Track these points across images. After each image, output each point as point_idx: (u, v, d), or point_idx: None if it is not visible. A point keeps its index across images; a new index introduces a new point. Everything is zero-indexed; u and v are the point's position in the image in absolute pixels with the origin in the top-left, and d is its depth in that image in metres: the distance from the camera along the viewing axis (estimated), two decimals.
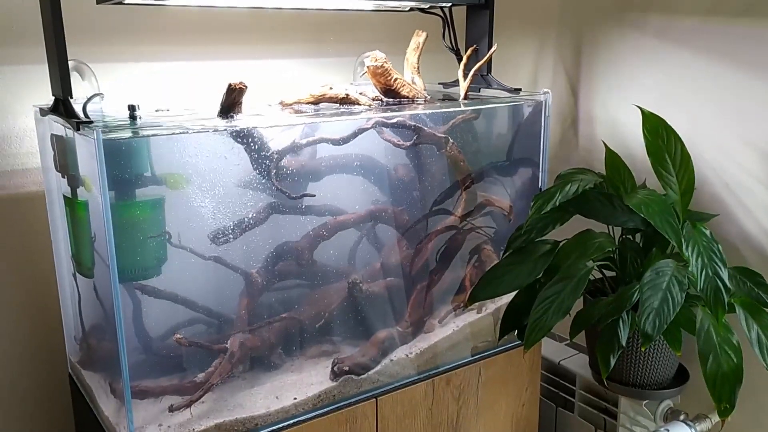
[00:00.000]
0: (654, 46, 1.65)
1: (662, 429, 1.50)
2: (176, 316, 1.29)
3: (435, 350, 1.46)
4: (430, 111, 1.40)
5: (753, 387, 1.41)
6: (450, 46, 1.67)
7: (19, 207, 1.39)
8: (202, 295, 1.29)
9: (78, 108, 1.13)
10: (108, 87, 1.45)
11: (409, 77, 1.61)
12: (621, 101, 1.74)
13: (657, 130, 1.41)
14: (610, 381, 1.58)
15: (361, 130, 1.30)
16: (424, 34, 1.60)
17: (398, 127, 1.34)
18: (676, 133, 1.40)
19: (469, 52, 1.61)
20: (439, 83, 1.74)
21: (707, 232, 1.31)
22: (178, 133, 1.12)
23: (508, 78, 2.02)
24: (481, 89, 1.65)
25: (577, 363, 1.77)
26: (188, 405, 1.17)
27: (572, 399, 1.77)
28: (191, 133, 1.13)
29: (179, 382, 1.23)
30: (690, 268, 1.28)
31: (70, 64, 1.33)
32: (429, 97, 1.52)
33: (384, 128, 1.36)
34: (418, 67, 1.62)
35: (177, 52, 1.57)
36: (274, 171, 1.23)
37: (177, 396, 1.21)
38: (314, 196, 1.29)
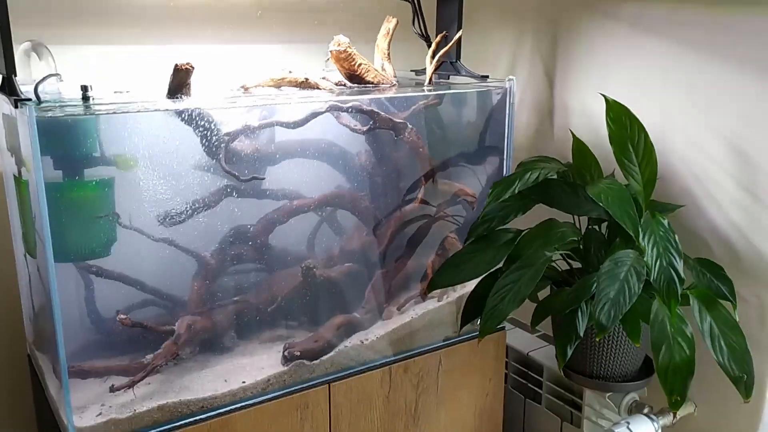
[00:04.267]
0: (627, 36, 1.62)
1: (623, 422, 1.48)
2: (129, 297, 1.28)
3: (392, 337, 1.45)
4: (386, 96, 1.39)
5: (717, 379, 1.38)
6: (420, 32, 1.65)
7: None
8: (155, 277, 1.29)
9: (29, 88, 1.13)
10: (74, 70, 1.45)
11: (379, 63, 1.60)
12: (595, 91, 1.71)
13: (621, 119, 1.39)
14: (575, 373, 1.56)
15: (315, 114, 1.29)
16: (394, 20, 1.59)
17: (354, 111, 1.33)
18: (639, 122, 1.38)
19: (438, 38, 1.59)
20: (411, 70, 1.72)
21: (665, 222, 1.29)
22: (112, 113, 1.11)
23: (485, 67, 2.00)
24: (450, 76, 1.63)
25: (546, 354, 1.75)
26: (130, 386, 1.17)
27: (540, 390, 1.75)
28: (130, 113, 1.12)
29: (126, 363, 1.22)
30: (645, 258, 1.26)
31: (27, 44, 1.34)
32: (396, 83, 1.50)
33: (341, 113, 1.35)
34: (389, 54, 1.60)
35: (148, 36, 1.56)
36: (223, 153, 1.22)
37: (124, 377, 1.21)
38: (263, 179, 1.28)
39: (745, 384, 1.18)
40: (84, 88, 1.17)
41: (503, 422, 1.70)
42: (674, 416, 1.39)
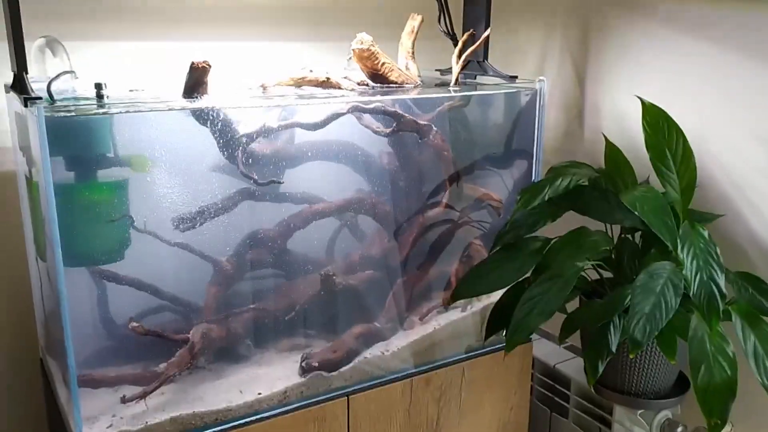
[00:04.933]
0: (663, 34, 1.55)
1: None
2: (143, 303, 1.24)
3: (414, 348, 1.39)
4: (410, 97, 1.33)
5: (756, 397, 1.31)
6: (446, 30, 1.59)
7: None
8: (170, 282, 1.25)
9: (42, 86, 1.09)
10: (90, 67, 1.42)
11: (403, 62, 1.54)
12: (628, 92, 1.64)
13: (658, 123, 1.31)
14: (604, 388, 1.49)
15: (336, 115, 1.23)
16: (419, 18, 1.53)
17: (377, 113, 1.27)
18: (678, 126, 1.31)
19: (464, 36, 1.53)
20: (436, 69, 1.66)
21: (705, 234, 1.21)
22: (125, 112, 1.07)
23: (513, 67, 1.94)
24: (477, 76, 1.57)
25: (573, 367, 1.68)
26: (142, 396, 1.12)
27: (567, 405, 1.69)
28: (142, 112, 1.08)
29: (139, 372, 1.18)
30: (684, 271, 1.18)
31: (41, 40, 1.30)
32: (421, 82, 1.45)
33: (362, 114, 1.29)
34: (413, 52, 1.55)
35: (166, 33, 1.52)
36: (242, 155, 1.17)
37: (135, 386, 1.16)
38: (282, 182, 1.23)
39: None
40: (98, 86, 1.13)
41: None
42: None
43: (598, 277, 1.50)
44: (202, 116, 1.14)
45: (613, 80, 1.68)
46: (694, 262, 1.18)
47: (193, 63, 1.10)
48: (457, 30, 1.61)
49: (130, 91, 1.26)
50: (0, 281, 1.42)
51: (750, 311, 1.19)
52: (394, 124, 1.29)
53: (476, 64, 1.57)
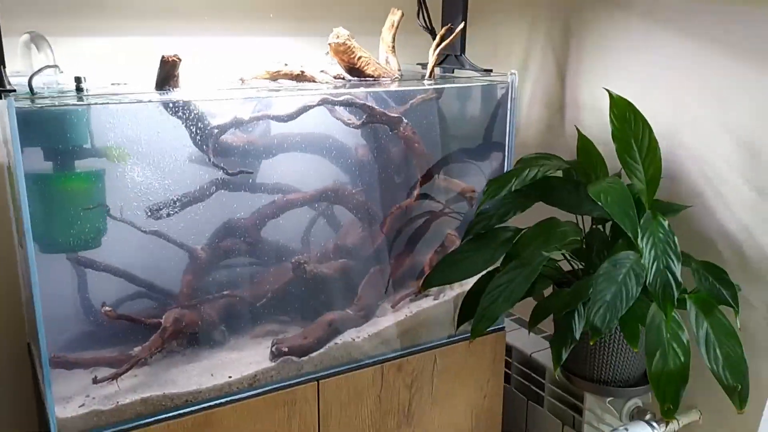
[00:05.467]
0: (640, 28, 1.57)
1: (621, 428, 1.43)
2: (120, 290, 1.29)
3: (385, 335, 1.43)
4: (380, 90, 1.36)
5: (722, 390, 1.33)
6: (424, 25, 1.62)
7: None
8: (145, 269, 1.29)
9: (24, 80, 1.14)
10: (78, 61, 1.46)
11: (384, 56, 1.58)
12: (607, 86, 1.66)
13: (625, 116, 1.34)
14: (575, 376, 1.52)
15: (307, 108, 1.27)
16: (399, 13, 1.56)
17: (345, 105, 1.31)
18: (644, 118, 1.33)
19: (442, 31, 1.56)
20: (418, 63, 1.69)
21: (665, 224, 1.24)
22: (94, 104, 1.11)
23: (498, 62, 1.97)
24: (455, 70, 1.60)
25: (548, 356, 1.70)
26: (113, 378, 1.17)
27: (542, 393, 1.72)
28: (110, 104, 1.12)
29: (114, 355, 1.23)
30: (642, 260, 1.21)
31: (26, 36, 1.34)
32: (400, 76, 1.48)
33: (335, 106, 1.33)
34: (393, 46, 1.58)
35: (150, 28, 1.56)
36: (212, 146, 1.21)
37: (110, 369, 1.21)
38: (251, 173, 1.27)
39: (739, 394, 1.13)
40: (77, 80, 1.18)
41: (506, 423, 1.67)
42: (666, 425, 1.34)
43: (572, 268, 1.53)
44: (173, 108, 1.18)
45: (593, 75, 1.70)
46: (653, 251, 1.20)
47: (163, 57, 1.14)
48: (438, 24, 1.64)
49: (113, 84, 1.31)
50: None
51: (705, 300, 1.22)
52: (364, 117, 1.32)
53: (454, 58, 1.60)
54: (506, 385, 1.83)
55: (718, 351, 1.15)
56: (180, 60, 1.15)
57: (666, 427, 1.47)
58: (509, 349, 1.79)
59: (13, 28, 1.31)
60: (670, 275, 1.17)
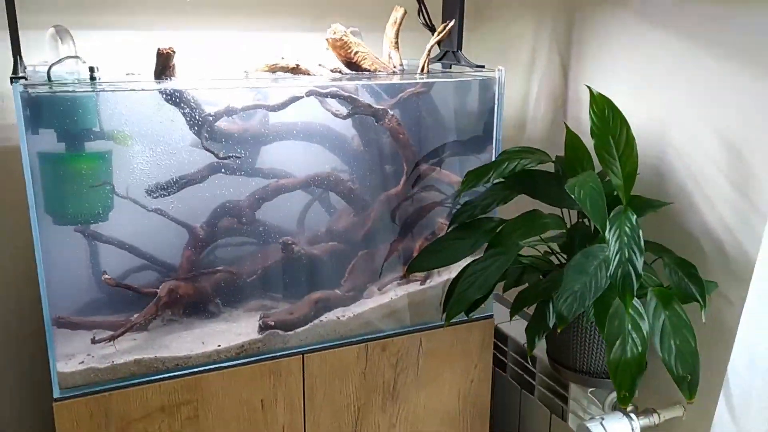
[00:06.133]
0: (635, 25, 1.59)
1: (598, 418, 1.47)
2: (127, 262, 1.41)
3: (370, 316, 1.50)
4: (363, 83, 1.44)
5: (707, 383, 1.35)
6: (425, 22, 1.69)
7: (7, 159, 1.57)
8: (150, 244, 1.41)
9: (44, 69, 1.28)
10: (101, 53, 1.61)
11: (387, 52, 1.65)
12: (605, 82, 1.69)
13: (604, 112, 1.37)
14: (561, 366, 1.56)
15: (295, 98, 1.36)
16: (401, 10, 1.63)
17: (331, 97, 1.39)
18: (622, 115, 1.36)
19: (440, 27, 1.63)
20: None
21: (633, 219, 1.27)
22: (90, 91, 1.23)
23: (506, 59, 2.01)
24: (452, 66, 1.66)
25: (541, 346, 1.75)
26: (110, 339, 1.29)
27: (534, 382, 1.76)
28: (106, 92, 1.24)
29: (115, 319, 1.35)
30: (607, 252, 1.25)
31: (52, 29, 1.49)
32: (401, 70, 1.55)
33: (325, 98, 1.41)
34: (396, 42, 1.65)
35: (167, 23, 1.70)
36: (205, 132, 1.32)
37: (111, 331, 1.34)
38: (240, 156, 1.37)
39: (688, 384, 1.16)
40: (91, 69, 1.31)
41: (500, 411, 1.72)
42: (623, 412, 1.37)
43: (559, 261, 1.57)
44: (169, 96, 1.29)
45: (593, 71, 1.73)
46: (617, 243, 1.24)
47: (159, 49, 1.25)
48: (439, 22, 1.70)
49: (127, 74, 1.43)
50: (16, 240, 1.63)
51: (665, 293, 1.24)
52: (350, 108, 1.41)
53: (451, 54, 1.66)
54: (503, 374, 1.89)
55: (671, 342, 1.18)
56: (174, 52, 1.26)
57: (646, 419, 1.49)
58: (505, 339, 1.84)
59: (43, 21, 1.46)
60: (631, 267, 1.20)
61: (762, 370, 1.07)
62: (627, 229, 1.26)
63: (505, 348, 1.85)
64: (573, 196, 1.32)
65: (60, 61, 1.36)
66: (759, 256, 1.12)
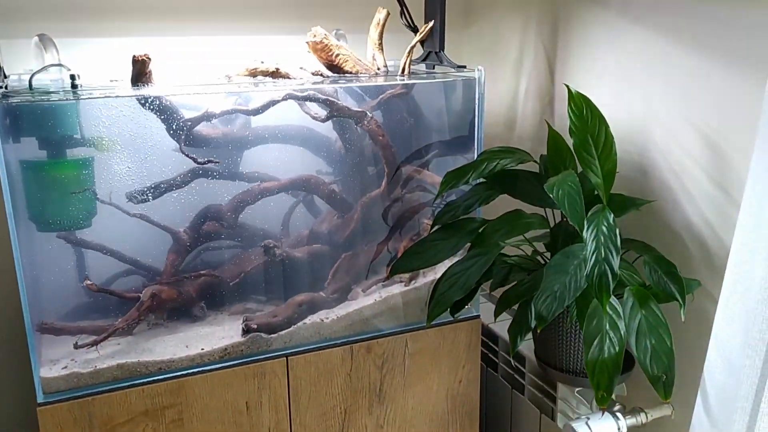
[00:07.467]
0: (615, 23, 1.58)
1: (583, 417, 1.46)
2: (112, 268, 1.43)
3: (354, 318, 1.51)
4: (342, 86, 1.44)
5: (695, 385, 1.34)
6: (407, 23, 1.69)
7: None
8: (135, 249, 1.43)
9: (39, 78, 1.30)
10: (85, 61, 1.62)
11: (370, 53, 1.66)
12: (589, 81, 1.69)
13: (582, 111, 1.37)
14: (548, 366, 1.56)
15: (273, 102, 1.37)
16: (384, 11, 1.64)
17: (309, 100, 1.40)
18: (601, 114, 1.35)
19: (422, 29, 1.63)
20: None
21: (610, 218, 1.26)
22: (65, 100, 1.25)
23: (496, 59, 2.01)
24: (435, 66, 1.66)
25: (529, 346, 1.75)
26: (92, 344, 1.31)
27: (524, 382, 1.76)
28: (80, 100, 1.25)
29: (98, 324, 1.36)
30: (584, 251, 1.24)
31: (36, 38, 1.50)
32: (385, 72, 1.56)
33: (302, 101, 1.42)
34: (380, 43, 1.66)
35: (151, 30, 1.71)
36: (184, 137, 1.33)
37: (95, 336, 1.35)
38: (218, 162, 1.38)
39: (663, 384, 1.15)
40: (72, 77, 1.32)
41: (492, 411, 1.72)
42: (602, 412, 1.36)
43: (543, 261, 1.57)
44: (146, 103, 1.30)
45: (577, 70, 1.72)
46: (594, 242, 1.23)
47: (134, 56, 1.26)
48: (422, 23, 1.70)
49: (111, 81, 1.45)
50: (3, 246, 1.64)
51: (642, 292, 1.23)
52: (328, 111, 1.41)
53: (434, 55, 1.66)
54: (494, 374, 1.88)
55: (647, 342, 1.17)
56: (150, 59, 1.27)
57: (633, 419, 1.48)
58: (496, 339, 1.84)
59: (28, 30, 1.48)
60: (607, 266, 1.20)
61: (736, 368, 1.06)
62: (604, 228, 1.25)
63: (496, 348, 1.85)
64: (551, 196, 1.32)
65: (43, 69, 1.38)
66: (732, 248, 1.12)
